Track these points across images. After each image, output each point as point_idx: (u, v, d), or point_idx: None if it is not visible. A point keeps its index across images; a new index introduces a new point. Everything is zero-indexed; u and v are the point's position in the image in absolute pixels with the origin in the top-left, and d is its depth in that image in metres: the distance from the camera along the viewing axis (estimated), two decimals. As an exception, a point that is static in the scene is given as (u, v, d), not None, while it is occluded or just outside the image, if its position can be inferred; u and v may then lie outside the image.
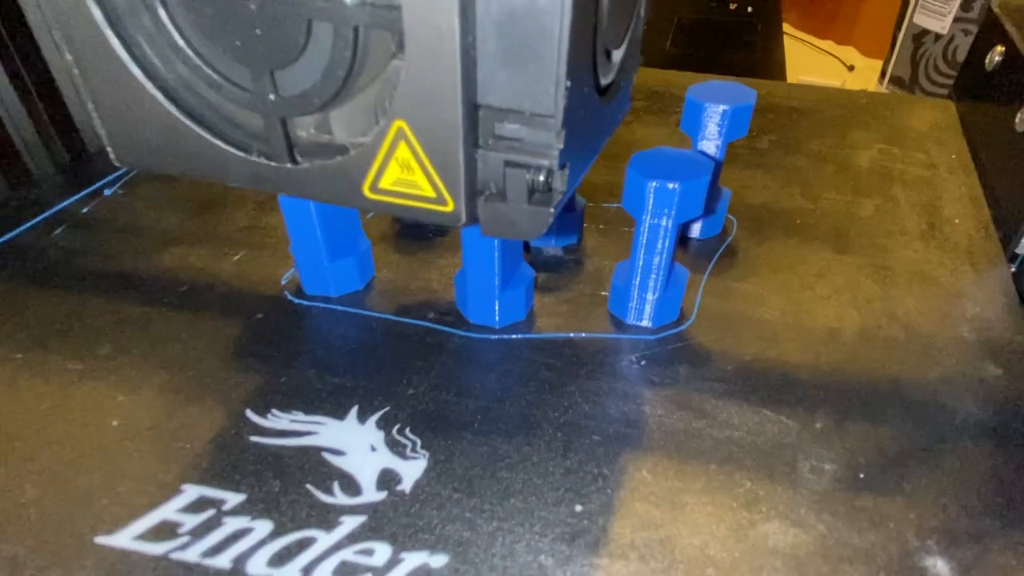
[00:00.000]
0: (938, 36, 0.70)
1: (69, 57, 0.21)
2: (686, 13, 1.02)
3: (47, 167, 0.41)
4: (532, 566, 0.21)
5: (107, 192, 0.39)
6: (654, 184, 0.26)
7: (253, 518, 0.22)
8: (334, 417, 0.26)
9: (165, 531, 0.22)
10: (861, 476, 0.24)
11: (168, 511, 0.23)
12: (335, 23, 0.18)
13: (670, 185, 0.26)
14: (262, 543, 0.22)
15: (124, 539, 0.22)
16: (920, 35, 0.71)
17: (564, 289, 0.32)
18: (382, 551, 0.22)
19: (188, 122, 0.21)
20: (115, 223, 0.37)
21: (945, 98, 0.55)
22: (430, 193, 0.20)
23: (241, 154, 0.21)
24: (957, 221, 0.38)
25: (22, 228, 0.36)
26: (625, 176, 0.27)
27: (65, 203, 0.38)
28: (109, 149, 0.23)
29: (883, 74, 0.77)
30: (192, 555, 0.21)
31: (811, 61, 1.24)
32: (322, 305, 0.31)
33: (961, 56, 0.68)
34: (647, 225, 0.28)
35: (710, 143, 0.33)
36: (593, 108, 0.21)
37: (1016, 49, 0.44)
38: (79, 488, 0.23)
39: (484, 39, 0.17)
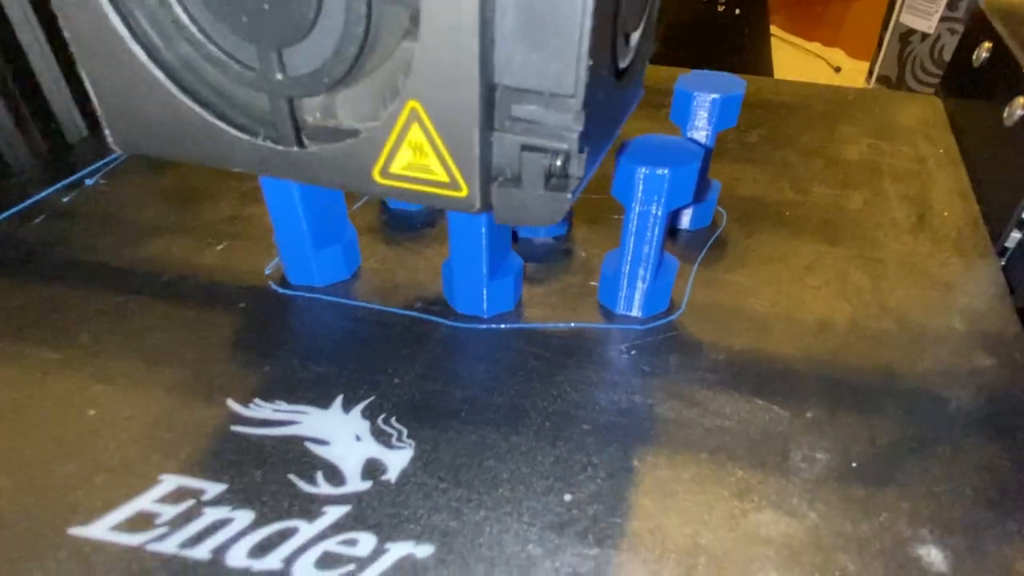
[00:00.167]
0: (924, 35, 0.70)
1: (68, 35, 0.20)
2: (674, 14, 1.02)
3: (25, 157, 0.40)
4: (520, 556, 0.21)
5: (88, 182, 0.39)
6: (643, 170, 0.26)
7: (233, 508, 0.22)
8: (318, 406, 0.25)
9: (142, 522, 0.21)
10: (853, 465, 0.24)
11: (145, 501, 0.22)
12: None
13: (659, 171, 0.26)
14: (242, 534, 0.21)
15: (99, 530, 0.21)
16: (907, 34, 0.71)
17: (553, 279, 0.32)
18: (366, 541, 0.21)
19: (191, 104, 0.20)
20: (96, 213, 0.36)
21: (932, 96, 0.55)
22: (443, 178, 0.19)
23: (246, 137, 0.20)
24: (946, 214, 0.38)
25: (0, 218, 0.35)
26: (615, 165, 0.27)
27: (45, 193, 0.37)
28: (107, 133, 0.22)
29: (870, 73, 0.77)
30: (170, 546, 0.21)
31: (798, 63, 1.25)
32: (307, 295, 0.31)
33: (947, 55, 0.68)
34: (636, 212, 0.27)
35: (700, 133, 0.33)
36: (610, 92, 0.20)
37: (1004, 45, 0.44)
38: (53, 479, 0.23)
39: (503, 15, 0.17)
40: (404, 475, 0.23)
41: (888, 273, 0.33)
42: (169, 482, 0.23)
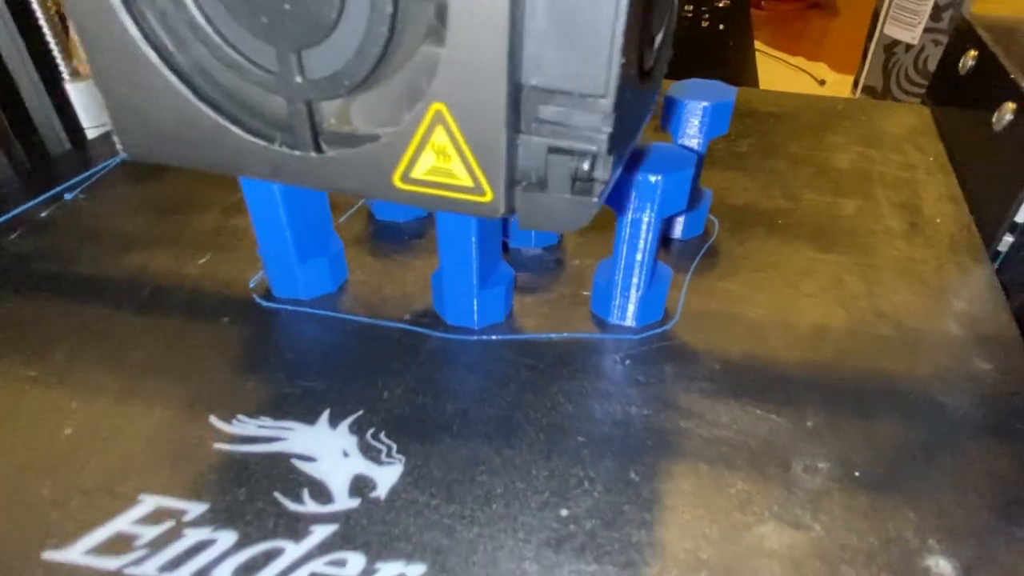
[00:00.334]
0: (909, 46, 0.70)
1: (78, 37, 0.19)
2: (660, 29, 1.03)
3: (6, 171, 0.39)
4: (516, 573, 0.20)
5: (67, 196, 0.38)
6: (636, 177, 0.26)
7: (216, 529, 0.21)
8: (304, 422, 0.25)
9: (120, 544, 0.20)
10: (856, 475, 0.23)
11: (123, 523, 0.21)
12: None
13: (652, 178, 0.26)
14: (225, 555, 0.20)
15: (75, 554, 0.20)
16: (891, 45, 0.72)
17: (545, 289, 0.31)
18: (355, 561, 0.20)
19: (205, 109, 0.20)
20: (75, 228, 0.35)
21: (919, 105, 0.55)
22: (467, 182, 0.19)
23: (262, 143, 0.20)
24: (939, 220, 0.38)
25: (-26, 233, 0.34)
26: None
27: (22, 208, 0.37)
28: (116, 139, 0.21)
29: (855, 84, 0.78)
30: (149, 569, 0.20)
31: (783, 76, 1.26)
32: (292, 308, 0.30)
33: (931, 65, 0.69)
34: (629, 220, 0.27)
35: (691, 140, 0.32)
36: (635, 94, 0.20)
37: (989, 52, 0.44)
38: (26, 501, 0.22)
39: (533, 12, 0.16)
40: (394, 492, 0.22)
41: (883, 279, 0.33)
42: (148, 502, 0.22)
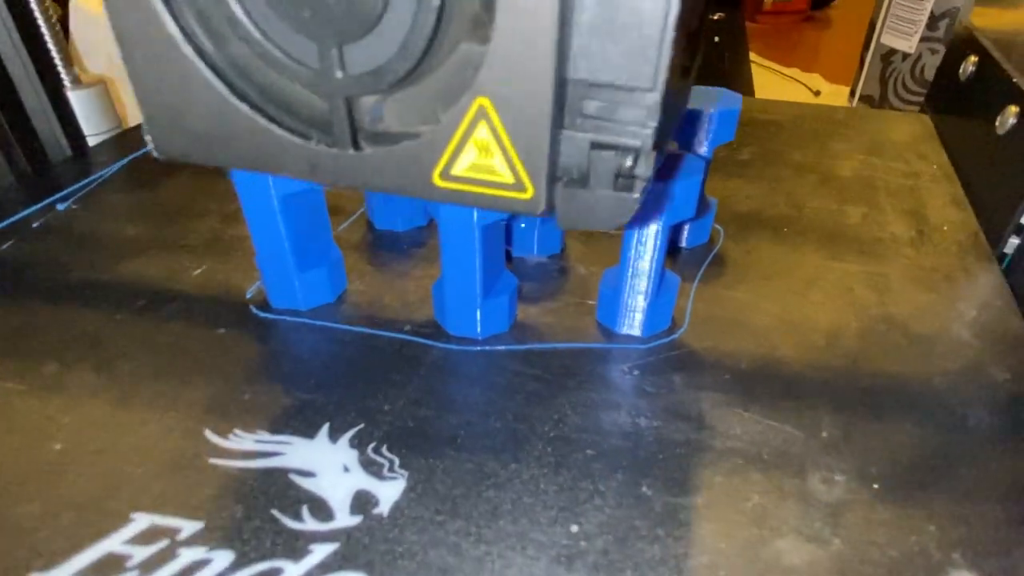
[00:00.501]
0: (906, 55, 0.70)
1: (115, 35, 0.19)
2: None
3: (7, 178, 0.39)
4: (526, 593, 0.19)
5: (60, 207, 0.37)
6: (645, 181, 0.25)
7: (211, 548, 0.20)
8: (303, 436, 0.24)
9: (111, 565, 0.20)
10: (875, 487, 0.22)
11: (115, 543, 0.20)
12: None
13: (660, 185, 0.25)
14: (222, 576, 0.19)
15: (64, 574, 0.19)
16: (888, 54, 0.72)
17: (549, 299, 0.31)
18: (358, 581, 0.19)
19: (242, 106, 0.19)
20: (68, 237, 0.34)
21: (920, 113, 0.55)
22: (507, 179, 0.18)
23: (299, 141, 0.20)
24: (946, 228, 0.37)
25: (-37, 243, 0.34)
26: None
27: (14, 217, 0.36)
28: (148, 138, 0.21)
29: (852, 93, 0.78)
30: (141, 592, 0.19)
31: (778, 87, 1.26)
32: (290, 319, 0.29)
33: (929, 73, 0.69)
34: (637, 227, 0.26)
35: (698, 147, 0.32)
36: (676, 91, 0.19)
37: (990, 58, 0.44)
38: (13, 519, 0.21)
39: (583, 5, 0.16)
40: (397, 508, 0.21)
41: (893, 287, 0.32)
42: (141, 520, 0.21)
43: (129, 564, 0.20)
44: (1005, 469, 0.23)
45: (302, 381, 0.26)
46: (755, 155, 0.45)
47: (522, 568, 0.20)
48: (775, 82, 1.29)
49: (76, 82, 0.44)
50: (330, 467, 0.23)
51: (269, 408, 0.25)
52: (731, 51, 1.08)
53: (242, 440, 0.23)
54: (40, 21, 0.41)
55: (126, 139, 0.45)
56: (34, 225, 0.35)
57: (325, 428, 0.24)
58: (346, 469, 0.23)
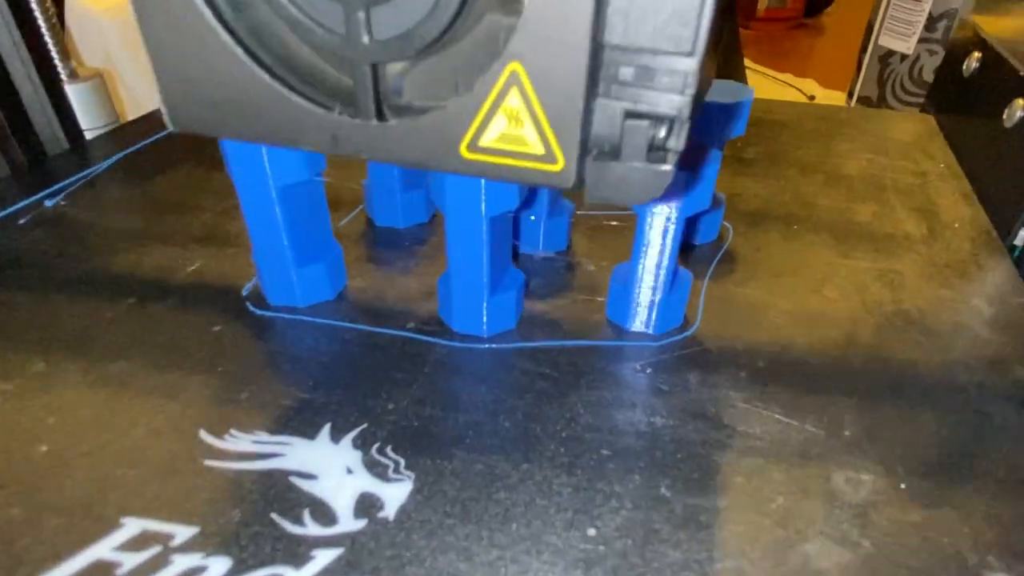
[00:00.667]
0: (903, 56, 0.70)
1: (132, 2, 0.18)
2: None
3: (4, 171, 0.38)
4: (542, 601, 0.18)
5: (50, 202, 0.36)
6: (659, 171, 0.24)
7: (207, 555, 0.19)
8: (303, 436, 0.23)
9: (100, 573, 0.18)
10: (902, 487, 0.21)
11: (104, 549, 0.19)
12: None
13: (680, 174, 0.24)
14: (218, 584, 0.18)
15: (49, 585, 0.18)
16: (886, 56, 0.72)
17: (557, 295, 0.30)
18: (364, 589, 0.18)
19: (263, 75, 0.18)
20: (59, 232, 0.33)
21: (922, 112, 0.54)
22: (538, 150, 0.18)
23: (321, 111, 0.19)
24: (957, 225, 0.37)
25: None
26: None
27: (11, 208, 0.35)
28: (164, 111, 0.20)
29: (850, 95, 0.77)
30: (132, 601, 0.18)
31: (773, 92, 1.26)
32: (288, 316, 0.28)
33: (927, 74, 0.68)
34: (650, 220, 0.25)
35: (710, 139, 0.31)
36: (707, 66, 0.19)
37: (995, 53, 0.44)
38: (-4, 525, 0.20)
39: None
40: (403, 511, 0.20)
41: (907, 283, 0.31)
42: (132, 526, 0.19)
43: (119, 572, 0.18)
44: (1036, 468, 0.22)
45: (301, 380, 0.25)
46: (760, 154, 0.45)
47: (537, 573, 0.19)
48: (770, 87, 1.29)
49: (73, 76, 0.43)
50: (332, 469, 0.22)
51: (267, 408, 0.24)
52: (725, 57, 1.08)
53: (239, 441, 0.22)
54: (37, 14, 0.40)
55: (123, 133, 0.44)
56: (24, 220, 0.34)
57: (326, 428, 0.23)
58: (349, 471, 0.22)
